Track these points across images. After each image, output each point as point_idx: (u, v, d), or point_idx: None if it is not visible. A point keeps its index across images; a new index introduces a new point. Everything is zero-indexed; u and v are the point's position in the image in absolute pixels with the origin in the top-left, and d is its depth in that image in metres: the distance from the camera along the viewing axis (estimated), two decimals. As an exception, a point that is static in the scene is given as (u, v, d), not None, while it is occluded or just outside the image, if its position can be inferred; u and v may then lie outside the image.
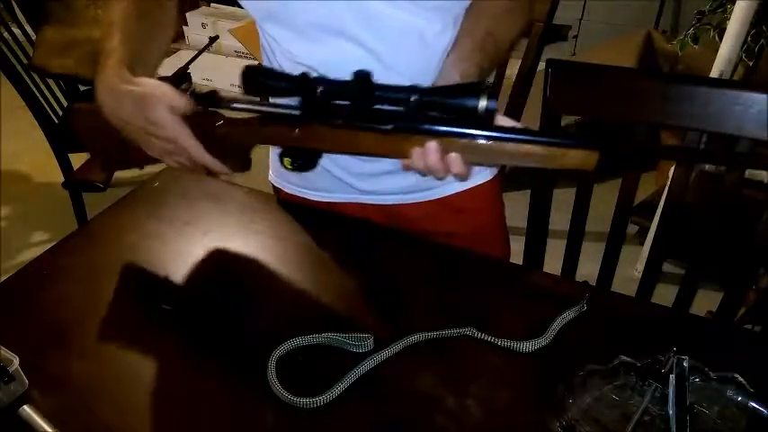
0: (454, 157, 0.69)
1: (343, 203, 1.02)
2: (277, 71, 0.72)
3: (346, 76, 0.75)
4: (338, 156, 0.93)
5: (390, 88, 0.67)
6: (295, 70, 0.88)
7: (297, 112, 0.72)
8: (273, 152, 1.07)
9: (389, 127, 0.69)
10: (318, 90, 0.68)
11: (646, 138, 1.00)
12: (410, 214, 1.00)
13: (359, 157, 0.89)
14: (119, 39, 0.79)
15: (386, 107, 0.68)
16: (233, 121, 0.79)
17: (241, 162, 0.80)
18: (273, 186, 1.10)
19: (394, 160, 0.75)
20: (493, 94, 0.64)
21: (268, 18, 0.88)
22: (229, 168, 0.79)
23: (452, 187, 0.99)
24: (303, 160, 0.75)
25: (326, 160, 0.97)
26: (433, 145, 0.68)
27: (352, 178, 0.98)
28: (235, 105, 0.75)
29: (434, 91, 0.67)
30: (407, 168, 0.73)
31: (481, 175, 1.00)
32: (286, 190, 1.07)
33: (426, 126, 0.68)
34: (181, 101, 0.73)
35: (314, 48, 0.86)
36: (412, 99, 0.66)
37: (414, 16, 0.83)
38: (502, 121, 0.70)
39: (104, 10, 0.89)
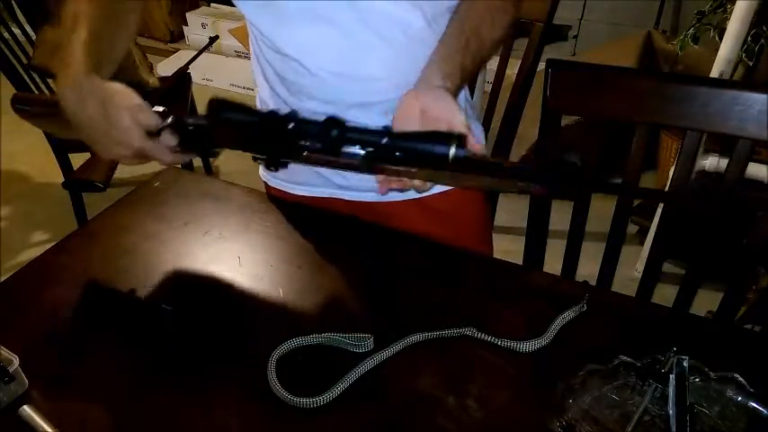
0: (417, 182, 0.72)
1: (323, 198, 1.03)
2: (246, 105, 0.68)
3: (325, 61, 0.78)
4: None
5: (362, 131, 0.66)
6: (281, 61, 0.89)
7: (262, 157, 0.70)
8: None
9: (356, 163, 0.68)
10: (288, 130, 0.66)
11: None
12: (387, 213, 1.00)
13: None
14: (86, 37, 0.80)
15: (355, 150, 0.67)
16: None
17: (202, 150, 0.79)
18: (263, 182, 1.12)
19: None
20: (461, 142, 0.63)
21: (256, 7, 0.89)
22: (187, 156, 0.79)
23: (432, 188, 0.99)
24: (269, 160, 0.72)
25: None
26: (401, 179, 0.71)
27: (332, 173, 1.00)
28: (193, 121, 0.74)
29: (406, 136, 0.66)
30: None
31: None
32: (270, 184, 1.09)
33: (394, 167, 0.68)
34: (142, 110, 0.74)
35: (295, 33, 0.87)
36: (383, 142, 0.65)
37: (398, 8, 0.85)
38: (474, 146, 0.69)
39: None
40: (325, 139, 0.65)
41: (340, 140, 0.65)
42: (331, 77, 0.91)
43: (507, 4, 0.88)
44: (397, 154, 0.65)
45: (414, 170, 0.67)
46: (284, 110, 0.93)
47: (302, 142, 0.66)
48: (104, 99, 0.74)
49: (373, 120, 0.93)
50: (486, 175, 0.66)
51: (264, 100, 1.04)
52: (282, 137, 0.66)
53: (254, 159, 0.74)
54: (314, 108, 0.95)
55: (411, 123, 0.73)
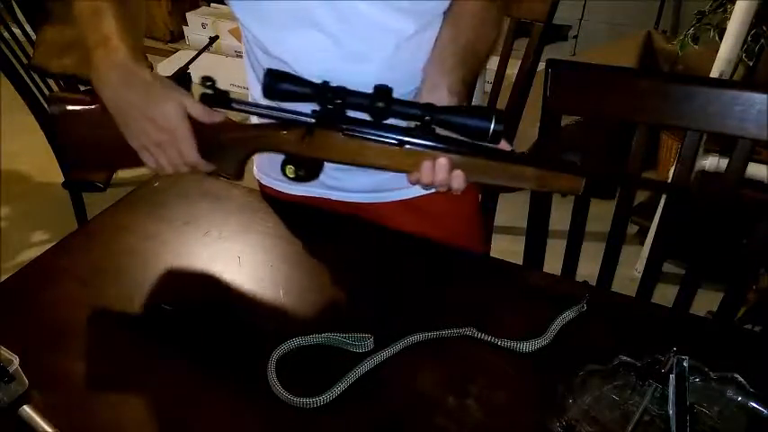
0: (458, 173, 0.72)
1: (314, 198, 1.03)
2: (298, 77, 0.72)
3: (314, 67, 0.78)
4: None
5: (407, 104, 0.69)
6: (270, 63, 0.90)
7: (311, 120, 0.72)
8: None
9: (405, 139, 0.71)
10: (337, 99, 0.70)
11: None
12: (378, 214, 1.00)
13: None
14: (118, 26, 0.77)
15: (397, 123, 0.70)
16: (236, 125, 0.79)
17: (234, 168, 0.79)
18: (257, 180, 1.12)
19: None
20: (501, 118, 0.67)
21: (246, 10, 0.89)
22: (221, 171, 0.78)
23: (420, 190, 0.99)
24: (307, 169, 0.75)
25: None
26: (444, 161, 0.71)
27: (323, 175, 0.98)
28: (241, 107, 0.75)
29: (448, 110, 0.70)
30: (414, 182, 0.75)
31: None
32: (264, 182, 1.09)
33: (440, 144, 0.71)
34: (192, 102, 0.74)
35: (284, 37, 0.87)
36: (426, 117, 0.69)
37: (385, 15, 0.84)
38: (501, 144, 0.73)
39: None
40: (372, 110, 0.68)
41: (385, 111, 0.68)
42: (322, 77, 0.90)
43: (494, 18, 0.89)
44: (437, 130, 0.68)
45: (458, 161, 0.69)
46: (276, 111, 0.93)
47: (348, 114, 0.70)
48: (151, 85, 0.73)
49: None
50: (533, 167, 0.69)
51: (256, 99, 1.04)
52: (332, 105, 0.69)
53: (294, 174, 0.75)
54: (305, 110, 0.95)
55: None
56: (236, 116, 0.79)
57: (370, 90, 0.83)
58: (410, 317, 0.79)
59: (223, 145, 0.77)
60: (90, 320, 0.79)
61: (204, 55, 2.46)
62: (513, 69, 1.29)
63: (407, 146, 0.72)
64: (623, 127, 1.02)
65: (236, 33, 3.40)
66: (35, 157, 2.53)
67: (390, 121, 0.72)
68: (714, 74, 1.74)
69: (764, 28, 1.87)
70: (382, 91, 0.69)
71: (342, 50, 0.87)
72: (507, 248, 1.17)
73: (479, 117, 0.68)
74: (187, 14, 3.78)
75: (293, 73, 0.85)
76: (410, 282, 0.86)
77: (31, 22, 2.06)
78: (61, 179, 1.99)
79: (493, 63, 1.11)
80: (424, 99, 0.79)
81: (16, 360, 0.67)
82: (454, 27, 0.87)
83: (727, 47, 1.70)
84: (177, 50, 3.78)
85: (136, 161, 0.78)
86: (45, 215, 2.37)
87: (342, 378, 0.69)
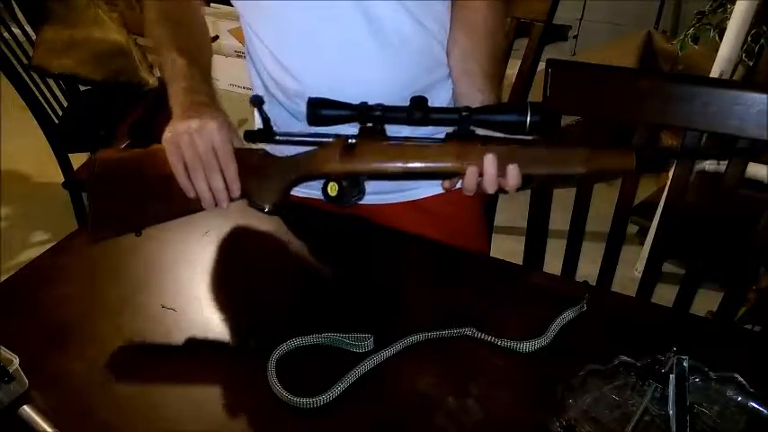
0: (512, 168, 0.72)
1: (317, 200, 1.02)
2: (337, 102, 0.74)
3: (320, 69, 0.85)
4: None
5: (444, 110, 0.71)
6: (275, 65, 0.90)
7: (352, 137, 0.74)
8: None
9: (447, 132, 0.72)
10: (376, 114, 0.72)
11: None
12: (382, 215, 1.00)
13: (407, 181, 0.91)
14: (186, 60, 0.82)
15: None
16: (275, 157, 0.80)
17: (276, 197, 0.79)
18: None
19: None
20: (537, 109, 0.69)
21: (254, 11, 0.91)
22: (261, 202, 0.79)
23: (426, 191, 0.99)
24: (349, 183, 0.75)
25: None
26: (491, 156, 0.71)
27: None
28: (284, 139, 0.77)
29: (484, 110, 0.71)
30: (465, 188, 0.74)
31: None
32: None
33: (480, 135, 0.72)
34: (236, 136, 0.78)
35: (294, 39, 0.89)
36: (464, 114, 0.70)
37: (396, 17, 0.86)
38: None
39: (103, 11, 0.93)
40: (411, 120, 0.69)
41: (424, 120, 0.70)
42: (327, 82, 0.91)
43: (502, 22, 0.92)
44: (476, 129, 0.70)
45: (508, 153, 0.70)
46: (280, 112, 0.95)
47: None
48: (212, 116, 0.76)
49: None
50: (581, 147, 0.69)
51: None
52: (373, 122, 0.72)
53: (328, 192, 0.76)
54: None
55: None
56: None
57: (373, 89, 0.85)
58: (410, 317, 0.79)
59: (265, 176, 0.78)
60: (90, 320, 0.79)
61: (204, 55, 2.43)
62: (513, 69, 1.29)
63: (450, 141, 0.71)
64: (623, 127, 1.03)
65: (236, 33, 3.40)
66: (35, 157, 2.53)
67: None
68: (714, 74, 1.74)
69: (764, 28, 1.87)
70: (419, 101, 0.70)
71: (348, 52, 0.87)
72: (507, 248, 1.17)
73: (516, 111, 0.69)
74: (187, 14, 3.78)
75: (301, 78, 0.88)
76: (410, 282, 0.86)
77: (31, 22, 2.06)
78: (61, 179, 1.99)
79: (505, 61, 1.11)
80: None
81: (16, 360, 0.67)
82: (470, 39, 0.89)
83: (727, 47, 1.70)
84: (177, 50, 3.77)
85: (166, 214, 0.80)
86: (45, 215, 2.37)
87: (342, 378, 0.69)
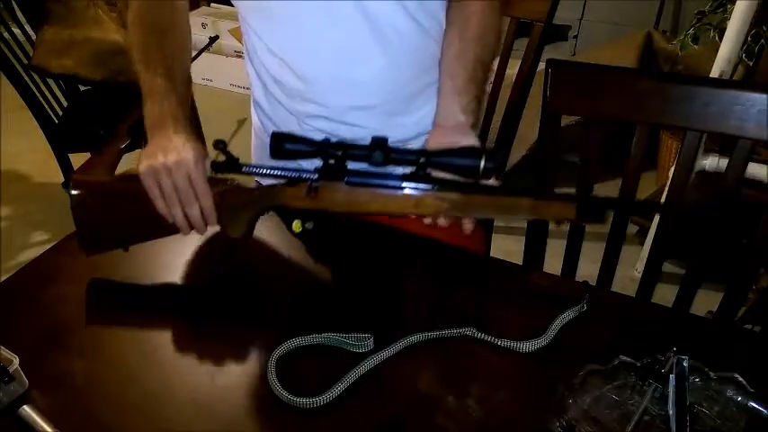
0: (466, 222, 0.78)
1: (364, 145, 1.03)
2: (301, 137, 0.76)
3: (321, 68, 0.87)
4: None
5: (403, 151, 0.74)
6: (275, 64, 0.90)
7: (314, 175, 0.76)
8: (256, 150, 1.09)
9: (403, 184, 0.75)
10: (339, 152, 0.74)
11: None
12: (380, 217, 1.00)
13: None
14: (163, 79, 0.83)
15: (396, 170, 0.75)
16: (243, 188, 0.81)
17: (243, 230, 0.81)
18: (256, 182, 1.11)
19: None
20: (491, 156, 0.72)
21: (254, 9, 0.91)
22: (229, 233, 0.81)
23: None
24: (314, 222, 0.78)
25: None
26: (442, 218, 0.77)
27: None
28: (251, 170, 0.79)
29: (441, 153, 0.74)
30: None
31: None
32: (263, 183, 1.09)
33: (435, 185, 0.75)
34: (207, 167, 0.79)
35: (292, 38, 0.89)
36: (421, 160, 0.73)
37: (393, 15, 0.87)
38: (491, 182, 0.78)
39: (103, 11, 0.93)
40: (371, 159, 0.73)
41: (384, 160, 0.73)
42: (328, 81, 0.91)
43: (496, 25, 0.92)
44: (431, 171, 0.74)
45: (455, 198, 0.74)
46: (276, 110, 0.95)
47: (350, 165, 0.75)
48: (185, 148, 0.78)
49: (374, 121, 0.94)
50: (523, 197, 0.74)
51: (258, 100, 1.04)
52: (335, 159, 0.75)
53: (293, 229, 0.80)
54: (310, 111, 0.95)
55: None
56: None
57: (372, 89, 0.88)
58: (410, 317, 0.79)
59: (235, 207, 0.80)
60: (90, 320, 0.79)
61: (204, 55, 2.46)
62: (513, 69, 1.29)
63: (406, 190, 0.75)
64: (623, 127, 1.03)
65: (236, 33, 3.40)
66: (35, 157, 2.54)
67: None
68: (714, 74, 1.74)
69: (764, 28, 1.87)
70: (379, 142, 0.73)
71: (352, 49, 0.88)
72: (507, 248, 1.17)
73: (470, 156, 0.73)
74: (187, 14, 3.78)
75: (302, 71, 0.89)
76: (410, 282, 0.86)
77: (31, 22, 2.06)
78: (61, 179, 1.99)
79: (493, 63, 1.11)
80: (441, 122, 0.85)
81: (16, 360, 0.67)
82: (461, 40, 0.89)
83: (727, 47, 1.70)
84: (177, 50, 3.77)
85: (148, 236, 0.83)
86: (45, 215, 2.37)
87: (342, 378, 0.69)
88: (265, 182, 0.83)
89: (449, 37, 0.92)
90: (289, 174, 0.78)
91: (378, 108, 0.94)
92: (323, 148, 0.74)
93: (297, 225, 0.78)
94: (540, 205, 0.74)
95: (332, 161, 0.75)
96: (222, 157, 0.77)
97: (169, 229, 0.81)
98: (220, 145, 0.76)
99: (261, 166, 0.79)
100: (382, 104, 0.94)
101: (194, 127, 0.83)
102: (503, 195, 0.75)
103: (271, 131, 1.03)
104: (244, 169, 0.79)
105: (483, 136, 1.39)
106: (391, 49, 0.89)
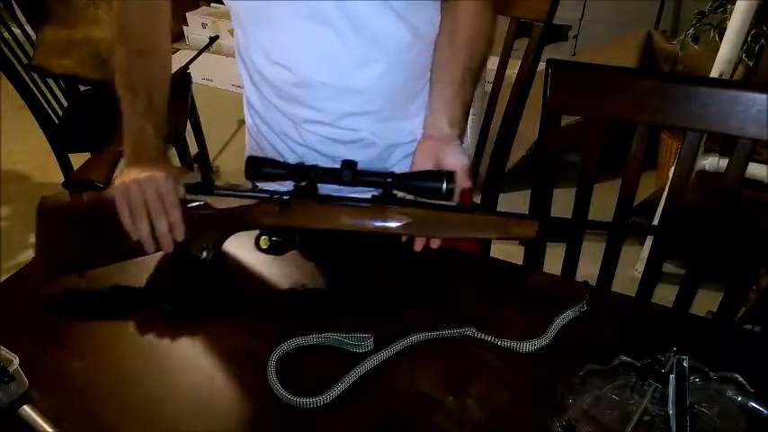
0: (435, 240, 0.81)
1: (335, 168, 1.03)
2: (276, 161, 0.80)
3: (319, 71, 0.87)
4: (306, 154, 0.99)
5: (371, 173, 0.78)
6: (271, 69, 0.90)
7: (286, 197, 0.79)
8: (251, 151, 1.09)
9: (373, 194, 0.79)
10: (309, 174, 0.78)
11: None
12: None
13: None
14: (142, 106, 0.86)
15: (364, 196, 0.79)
16: (215, 209, 0.84)
17: (208, 247, 0.83)
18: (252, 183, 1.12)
19: (363, 160, 0.85)
20: (451, 178, 0.77)
21: (251, 13, 0.90)
22: (193, 250, 0.82)
23: None
24: (283, 237, 0.80)
25: (295, 158, 1.01)
26: (418, 242, 0.81)
27: None
28: (222, 192, 0.82)
29: (406, 176, 0.79)
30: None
31: None
32: (259, 186, 1.09)
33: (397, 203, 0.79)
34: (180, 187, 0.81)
35: (289, 42, 0.89)
36: (388, 180, 0.77)
37: (386, 20, 0.87)
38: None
39: (103, 11, 0.93)
40: (341, 181, 0.77)
41: (353, 182, 0.77)
42: (323, 88, 0.91)
43: (486, 31, 0.91)
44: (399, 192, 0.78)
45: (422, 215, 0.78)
46: (275, 115, 0.95)
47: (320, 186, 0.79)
48: (158, 168, 0.80)
49: (372, 125, 0.94)
50: (488, 215, 0.79)
51: (252, 103, 1.04)
52: (306, 182, 0.79)
53: (260, 245, 0.81)
54: (306, 116, 0.95)
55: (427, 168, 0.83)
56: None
57: (368, 96, 0.90)
58: (410, 317, 0.79)
59: (203, 226, 0.82)
60: (90, 320, 0.79)
61: (204, 55, 2.46)
62: (513, 69, 1.29)
63: (374, 204, 0.78)
64: (623, 127, 1.03)
65: (236, 33, 3.40)
66: (35, 157, 2.54)
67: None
68: (714, 74, 1.74)
69: (764, 28, 1.87)
70: (349, 165, 0.77)
71: (346, 55, 0.88)
72: (507, 248, 1.16)
73: (433, 179, 0.77)
74: (187, 14, 3.78)
75: (299, 78, 0.89)
76: (410, 282, 0.86)
77: (31, 22, 2.06)
78: (61, 179, 1.99)
79: (493, 63, 1.11)
80: (429, 133, 0.87)
81: (16, 360, 0.67)
82: (450, 45, 0.90)
83: (727, 47, 1.70)
84: (177, 50, 3.77)
85: (108, 261, 0.83)
86: (45, 215, 2.37)
87: (342, 378, 0.69)
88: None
89: (439, 41, 0.92)
90: (261, 195, 0.81)
91: (375, 113, 0.94)
92: (296, 170, 0.78)
93: (264, 241, 0.80)
94: (504, 224, 0.78)
95: (303, 183, 0.78)
96: (197, 178, 0.81)
97: (132, 250, 0.81)
98: (199, 164, 0.79)
99: (233, 189, 0.82)
100: (379, 110, 0.94)
101: (182, 142, 0.85)
102: (467, 213, 0.79)
103: (265, 134, 1.03)
104: (216, 191, 0.82)
105: (483, 136, 1.39)
106: (386, 55, 0.89)
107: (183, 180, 0.81)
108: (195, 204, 0.82)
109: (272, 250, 0.80)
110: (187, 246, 0.81)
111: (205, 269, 0.82)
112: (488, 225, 0.78)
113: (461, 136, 0.90)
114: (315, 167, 0.78)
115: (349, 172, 0.77)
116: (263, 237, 0.80)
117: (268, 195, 0.80)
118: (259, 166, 0.79)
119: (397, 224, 0.78)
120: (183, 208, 0.80)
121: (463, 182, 0.83)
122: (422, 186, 0.77)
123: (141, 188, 0.78)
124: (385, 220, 0.78)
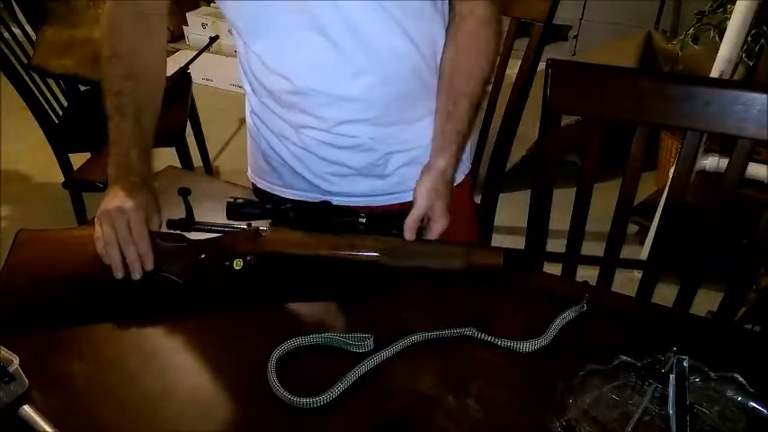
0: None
1: (312, 202, 1.03)
2: (256, 202, 0.86)
3: (314, 80, 0.89)
4: (304, 156, 1.00)
5: (345, 212, 0.84)
6: (269, 77, 0.91)
7: (263, 227, 0.84)
8: (251, 151, 1.09)
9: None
10: (290, 213, 0.83)
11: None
12: None
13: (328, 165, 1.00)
14: (128, 130, 0.87)
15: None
16: (182, 236, 0.88)
17: (182, 271, 0.84)
18: (251, 183, 1.13)
19: (361, 164, 0.97)
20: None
21: (248, 22, 0.90)
22: (172, 273, 0.84)
23: None
24: (257, 259, 0.83)
25: (294, 160, 1.01)
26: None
27: (319, 179, 1.02)
28: (202, 228, 0.86)
29: (378, 216, 0.84)
30: None
31: None
32: (259, 186, 1.10)
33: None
34: (155, 220, 0.85)
35: (285, 51, 0.89)
36: (360, 220, 0.83)
37: (383, 30, 0.87)
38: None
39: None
40: (316, 219, 0.83)
41: (330, 216, 0.84)
42: (319, 96, 0.91)
43: (490, 31, 0.91)
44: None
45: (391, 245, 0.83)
46: (275, 121, 0.99)
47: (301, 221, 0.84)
48: (137, 198, 0.83)
49: (371, 132, 0.94)
50: (452, 245, 0.83)
51: (252, 106, 1.04)
52: (285, 221, 0.84)
53: (233, 266, 0.83)
54: (304, 122, 0.95)
55: (423, 204, 0.86)
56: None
57: (366, 104, 0.92)
58: (410, 317, 0.79)
59: (175, 253, 0.84)
60: (90, 320, 0.79)
61: (204, 55, 2.46)
62: (513, 69, 1.29)
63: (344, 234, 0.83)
64: (623, 127, 1.03)
65: (236, 33, 3.40)
66: (35, 157, 2.54)
67: None
68: (714, 74, 1.74)
69: (764, 28, 1.87)
70: (326, 207, 0.84)
71: (341, 64, 0.88)
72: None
73: (401, 218, 0.83)
74: (187, 14, 3.79)
75: (297, 86, 0.91)
76: (410, 282, 0.86)
77: (31, 22, 2.06)
78: (61, 179, 1.99)
79: (486, 86, 1.11)
80: (431, 165, 0.89)
81: (16, 360, 0.67)
82: (453, 65, 0.91)
83: (727, 47, 1.70)
84: (177, 50, 3.78)
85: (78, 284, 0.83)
86: (45, 215, 2.37)
87: (342, 378, 0.69)
88: None
89: (442, 61, 0.92)
90: (238, 229, 0.85)
91: (371, 120, 0.94)
92: (274, 211, 0.84)
93: (237, 263, 0.82)
94: (471, 253, 0.81)
95: (281, 219, 0.83)
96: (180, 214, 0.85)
97: (101, 277, 0.82)
98: (184, 193, 0.84)
99: (213, 225, 0.86)
100: (376, 117, 0.94)
101: (182, 142, 0.86)
102: (436, 244, 0.84)
103: (266, 138, 1.03)
104: (195, 227, 0.86)
105: (483, 136, 1.39)
106: (381, 65, 0.89)
107: (155, 210, 0.85)
108: (168, 233, 0.86)
109: (246, 270, 0.82)
110: (161, 270, 0.83)
111: (179, 292, 0.83)
112: (456, 254, 0.81)
113: (458, 164, 0.91)
114: (293, 207, 0.84)
115: (325, 214, 0.83)
116: (237, 259, 0.83)
117: (245, 226, 0.84)
118: (238, 209, 0.84)
119: (371, 253, 0.82)
120: (152, 239, 0.82)
121: (441, 221, 0.85)
122: (393, 223, 0.83)
123: (111, 218, 0.81)
124: (359, 249, 0.82)
